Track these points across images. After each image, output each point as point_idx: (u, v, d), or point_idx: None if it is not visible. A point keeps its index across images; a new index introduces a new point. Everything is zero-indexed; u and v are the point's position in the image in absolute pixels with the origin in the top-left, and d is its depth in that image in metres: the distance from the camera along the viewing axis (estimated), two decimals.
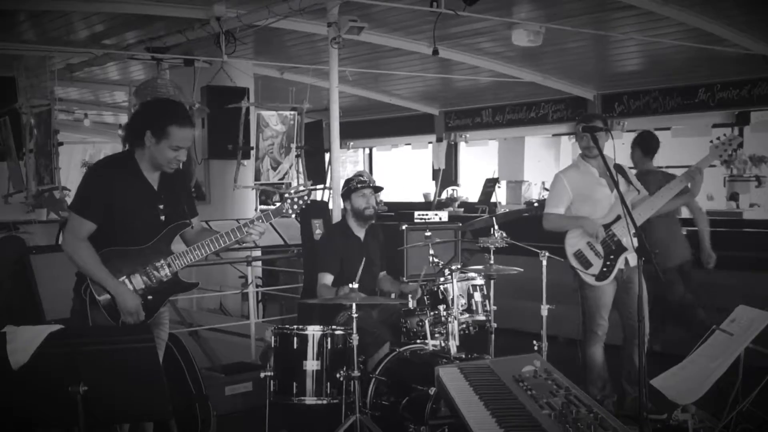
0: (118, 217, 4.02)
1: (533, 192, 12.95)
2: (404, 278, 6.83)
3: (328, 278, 5.75)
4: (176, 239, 4.22)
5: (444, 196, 13.65)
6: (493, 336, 5.65)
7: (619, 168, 5.91)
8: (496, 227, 5.70)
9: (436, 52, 7.77)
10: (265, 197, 10.92)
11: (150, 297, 4.05)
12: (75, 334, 3.38)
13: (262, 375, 5.00)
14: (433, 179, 14.68)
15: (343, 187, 6.09)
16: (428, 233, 5.63)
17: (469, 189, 14.38)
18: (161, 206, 4.15)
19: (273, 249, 8.46)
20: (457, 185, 14.48)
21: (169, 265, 4.08)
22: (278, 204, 4.35)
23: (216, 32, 8.02)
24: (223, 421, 5.91)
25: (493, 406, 2.75)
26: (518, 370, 3.07)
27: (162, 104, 4.41)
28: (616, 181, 4.85)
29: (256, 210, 9.46)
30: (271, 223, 4.41)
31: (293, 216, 4.39)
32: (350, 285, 4.96)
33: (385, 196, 15.03)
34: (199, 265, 4.60)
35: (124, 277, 4.00)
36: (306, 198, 4.33)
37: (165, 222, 4.15)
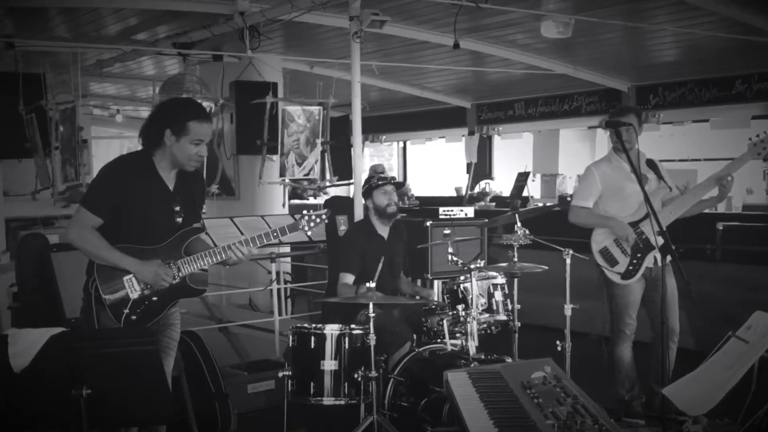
0: (132, 216, 4.01)
1: (568, 186, 12.77)
2: (429, 275, 6.75)
3: (348, 278, 5.69)
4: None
5: (477, 190, 13.51)
6: (516, 335, 5.54)
7: (651, 163, 5.75)
8: (519, 224, 5.58)
9: (457, 45, 7.63)
10: (301, 191, 10.91)
11: (155, 298, 4.02)
12: (77, 337, 3.35)
13: (281, 374, 4.96)
14: (467, 173, 14.55)
15: (364, 185, 6.02)
16: (447, 231, 5.52)
17: (504, 183, 14.23)
18: (177, 208, 4.13)
19: (297, 246, 8.42)
20: (491, 179, 14.32)
21: (179, 269, 4.05)
22: (296, 218, 4.30)
23: (240, 27, 7.98)
24: (244, 419, 5.89)
25: (497, 415, 2.66)
26: (528, 376, 2.97)
27: (177, 102, 4.49)
28: (640, 178, 4.70)
29: (284, 206, 9.42)
30: (294, 217, 4.37)
31: (309, 233, 4.34)
32: (368, 284, 4.89)
33: (419, 191, 14.99)
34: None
35: (132, 275, 3.98)
36: (324, 217, 4.31)
37: (181, 224, 4.14)
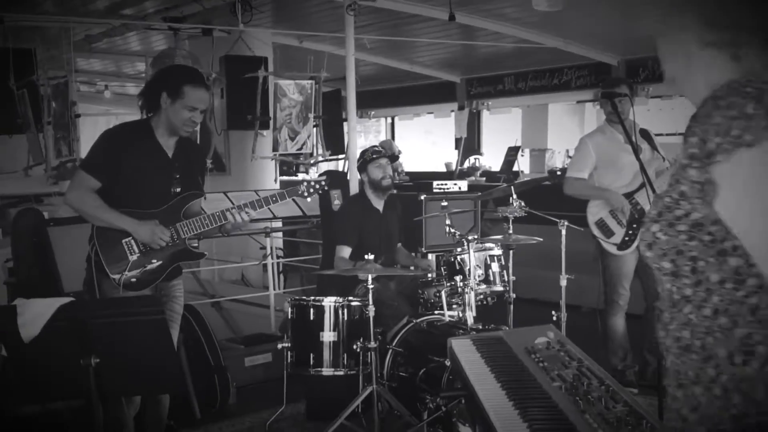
0: (130, 181, 4.04)
1: (557, 160, 12.80)
2: (423, 249, 6.78)
3: (345, 251, 5.71)
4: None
5: (466, 165, 13.52)
6: (512, 306, 5.59)
7: (645, 134, 5.80)
8: (514, 196, 5.61)
9: (452, 17, 7.61)
10: (287, 167, 10.87)
11: (155, 260, 4.06)
12: (84, 306, 3.37)
13: (279, 346, 4.98)
14: (456, 148, 14.55)
15: (359, 159, 6.03)
16: (444, 203, 5.55)
17: (493, 158, 14.25)
18: (177, 175, 4.14)
19: (291, 220, 8.43)
20: (480, 154, 14.34)
21: (177, 231, 4.07)
22: (295, 186, 4.34)
23: (232, 1, 7.93)
24: (242, 391, 5.94)
25: (504, 378, 2.69)
26: (531, 342, 3.01)
27: (176, 67, 4.58)
28: (635, 148, 4.73)
29: (276, 181, 9.42)
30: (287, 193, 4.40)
31: (308, 199, 4.39)
32: (366, 257, 4.91)
33: (408, 166, 14.97)
34: (221, 236, 4.61)
35: (130, 237, 4.00)
36: (323, 184, 4.35)
37: (179, 193, 4.16)
